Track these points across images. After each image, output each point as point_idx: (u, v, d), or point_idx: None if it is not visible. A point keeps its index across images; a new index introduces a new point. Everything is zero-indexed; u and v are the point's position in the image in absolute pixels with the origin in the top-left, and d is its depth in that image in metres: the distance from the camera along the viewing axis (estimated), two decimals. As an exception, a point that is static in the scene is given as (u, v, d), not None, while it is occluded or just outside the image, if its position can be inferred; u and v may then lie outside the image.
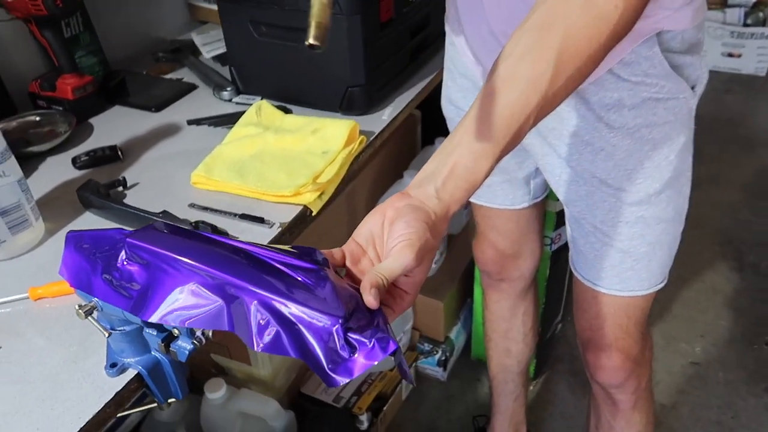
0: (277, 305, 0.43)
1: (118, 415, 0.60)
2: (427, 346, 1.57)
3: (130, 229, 0.55)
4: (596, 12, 0.52)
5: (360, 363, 0.42)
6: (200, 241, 0.50)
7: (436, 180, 0.52)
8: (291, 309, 0.43)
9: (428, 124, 1.61)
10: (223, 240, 0.51)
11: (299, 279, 0.46)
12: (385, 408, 1.40)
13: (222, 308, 0.44)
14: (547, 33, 0.52)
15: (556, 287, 1.51)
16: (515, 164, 0.95)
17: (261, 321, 0.43)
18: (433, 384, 1.60)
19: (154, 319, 0.45)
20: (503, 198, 1.01)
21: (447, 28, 0.91)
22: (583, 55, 0.52)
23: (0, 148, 0.71)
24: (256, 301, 0.43)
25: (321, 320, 0.43)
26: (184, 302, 0.45)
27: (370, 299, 0.46)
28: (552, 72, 0.51)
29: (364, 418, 1.33)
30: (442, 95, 0.98)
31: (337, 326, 0.42)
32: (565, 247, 1.40)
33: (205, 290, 0.44)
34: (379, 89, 1.06)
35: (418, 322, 1.56)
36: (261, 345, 0.42)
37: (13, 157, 0.73)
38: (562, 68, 0.52)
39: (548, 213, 1.31)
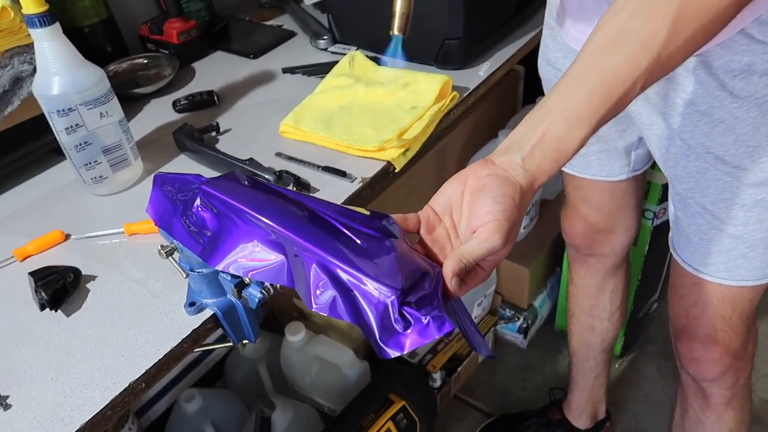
0: (336, 270, 0.43)
1: (196, 350, 0.64)
2: (508, 312, 1.53)
3: (218, 174, 0.56)
4: None
5: (413, 339, 0.41)
6: (272, 196, 0.50)
7: (523, 148, 0.48)
8: (349, 275, 0.43)
9: (531, 82, 1.53)
10: (295, 196, 0.51)
11: (362, 245, 0.45)
12: (459, 369, 1.40)
13: (283, 265, 0.44)
14: None
15: (655, 264, 1.41)
16: (616, 132, 0.88)
17: (319, 283, 0.43)
18: (511, 350, 1.58)
19: (219, 266, 0.46)
20: (598, 168, 0.94)
21: None
22: (708, 12, 0.45)
23: (104, 89, 0.74)
24: (315, 264, 0.43)
25: (378, 290, 0.42)
26: (249, 255, 0.45)
27: (455, 288, 0.44)
28: (668, 31, 0.45)
29: (437, 376, 1.34)
30: (539, 54, 0.92)
31: (392, 298, 0.41)
32: (667, 223, 1.30)
33: (268, 246, 0.45)
34: (477, 43, 1.01)
35: (501, 286, 1.53)
36: (317, 306, 0.42)
37: (115, 99, 0.77)
38: (680, 27, 0.45)
39: (653, 185, 1.22)
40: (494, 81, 1.02)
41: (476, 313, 1.47)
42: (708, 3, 0.45)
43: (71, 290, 0.65)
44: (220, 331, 0.65)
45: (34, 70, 0.78)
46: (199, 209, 0.50)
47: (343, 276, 0.43)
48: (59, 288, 0.64)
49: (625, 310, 1.23)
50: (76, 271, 0.67)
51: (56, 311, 0.64)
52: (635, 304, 1.42)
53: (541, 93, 1.47)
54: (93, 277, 0.68)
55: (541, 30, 1.09)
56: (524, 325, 1.53)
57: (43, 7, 0.67)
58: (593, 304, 1.18)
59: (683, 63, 0.49)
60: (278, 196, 0.51)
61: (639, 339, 1.56)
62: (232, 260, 0.46)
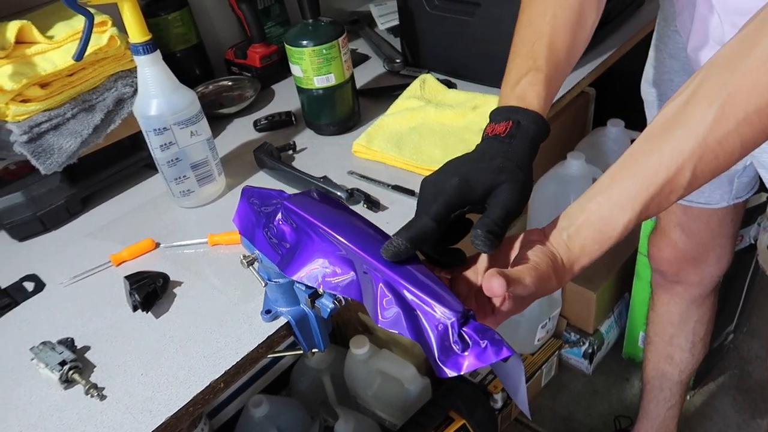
0: (402, 290, 0.45)
1: (268, 356, 0.68)
2: (573, 336, 1.51)
3: (294, 190, 0.60)
4: None
5: (470, 361, 0.43)
6: (345, 214, 0.54)
7: (570, 225, 0.48)
8: (413, 295, 0.45)
9: (603, 103, 1.51)
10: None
11: (424, 268, 0.48)
12: (522, 391, 1.39)
13: (354, 281, 0.47)
14: (725, 67, 0.44)
15: (732, 292, 1.36)
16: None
17: (385, 300, 0.45)
18: (576, 375, 1.55)
19: (295, 277, 0.50)
20: (697, 194, 0.90)
21: (664, 2, 0.84)
22: (763, 95, 0.43)
23: (195, 111, 0.81)
24: (382, 282, 0.46)
25: (439, 311, 0.44)
26: (323, 268, 0.49)
27: (499, 285, 0.43)
28: (715, 115, 0.43)
29: (498, 397, 1.34)
30: (643, 75, 0.91)
31: (453, 320, 0.43)
32: (749, 249, 1.25)
33: (340, 261, 0.48)
34: (548, 66, 1.02)
35: (566, 310, 1.51)
36: (383, 321, 0.45)
37: (204, 119, 0.83)
38: (729, 111, 0.43)
39: (731, 210, 1.17)
40: (564, 104, 1.03)
41: (540, 335, 1.46)
42: (762, 84, 0.43)
43: (160, 294, 0.71)
44: (291, 340, 0.70)
45: (135, 92, 0.86)
46: (280, 222, 0.54)
47: (407, 295, 0.46)
48: (150, 292, 0.70)
49: (708, 342, 1.18)
50: (165, 277, 0.73)
51: (147, 313, 0.70)
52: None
53: (614, 115, 1.46)
54: (179, 283, 0.74)
55: (614, 53, 1.10)
56: (590, 350, 1.50)
57: (147, 37, 0.74)
58: (675, 333, 1.13)
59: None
60: (350, 214, 0.55)
61: (713, 370, 1.50)
62: (307, 272, 0.50)
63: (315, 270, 0.49)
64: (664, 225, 1.00)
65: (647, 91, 0.89)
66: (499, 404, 1.35)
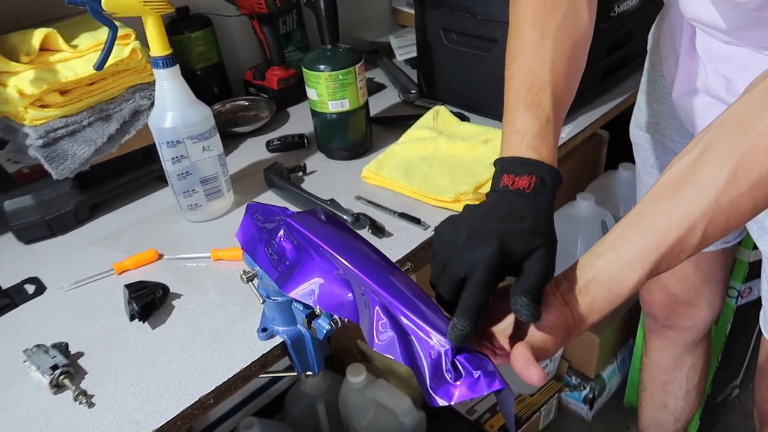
0: (398, 314, 0.45)
1: (261, 375, 0.67)
2: (574, 380, 1.48)
3: (297, 209, 0.60)
4: None
5: (462, 390, 0.42)
6: (348, 236, 0.54)
7: (580, 280, 0.47)
8: (409, 320, 0.45)
9: (616, 147, 1.51)
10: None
11: (421, 295, 0.48)
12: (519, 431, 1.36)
13: (351, 302, 0.47)
14: (737, 128, 0.44)
15: (738, 346, 1.33)
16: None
17: (380, 323, 0.45)
18: (575, 420, 1.52)
19: (292, 294, 0.50)
20: None
21: (650, 46, 0.85)
22: None
23: (208, 126, 0.82)
24: (378, 306, 0.46)
25: (434, 338, 0.44)
26: (320, 287, 0.48)
27: (537, 373, 0.42)
28: (727, 177, 0.43)
29: (494, 436, 1.31)
30: (632, 119, 0.92)
31: (447, 348, 0.43)
32: (755, 303, 1.23)
33: (338, 281, 0.48)
34: (561, 106, 1.03)
35: (568, 352, 1.49)
36: (378, 344, 0.45)
37: (217, 135, 0.84)
38: (742, 173, 0.43)
39: (739, 261, 1.16)
40: (575, 144, 1.04)
41: (541, 376, 1.44)
42: None
43: (159, 305, 0.71)
44: (286, 362, 0.69)
45: (151, 104, 0.87)
46: (282, 239, 0.54)
47: (404, 320, 0.45)
48: (149, 302, 0.69)
49: (703, 390, 1.17)
50: (165, 288, 0.73)
51: (143, 323, 0.69)
52: (713, 386, 1.34)
53: (625, 159, 1.46)
54: (178, 295, 0.74)
55: (628, 97, 1.11)
56: (590, 396, 1.47)
57: (168, 51, 0.76)
58: (668, 380, 1.12)
59: None
60: (352, 236, 0.55)
61: (717, 426, 1.46)
62: (304, 290, 0.50)
63: (312, 288, 0.49)
64: None
65: (635, 134, 0.90)
66: (495, 444, 1.32)
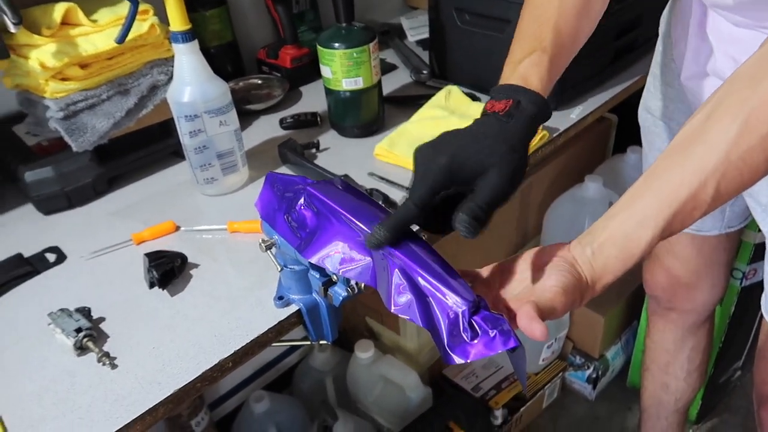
0: (417, 277, 0.47)
1: (275, 343, 0.69)
2: (579, 360, 1.51)
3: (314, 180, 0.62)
4: None
5: (478, 349, 0.43)
6: (366, 203, 0.55)
7: (594, 241, 0.47)
8: (427, 282, 0.46)
9: (624, 131, 1.52)
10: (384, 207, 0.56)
11: (439, 260, 0.49)
12: (522, 409, 1.38)
13: (369, 265, 0.49)
14: (748, 83, 0.44)
15: (742, 328, 1.35)
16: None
17: (400, 286, 0.46)
18: (578, 399, 1.54)
19: (313, 259, 0.51)
20: None
21: (662, 29, 0.86)
22: None
23: (225, 101, 0.83)
24: (397, 268, 0.47)
25: (451, 299, 0.45)
26: (341, 252, 0.50)
27: (540, 328, 0.42)
28: (738, 130, 0.43)
29: (499, 413, 1.33)
30: (641, 102, 0.93)
31: (464, 308, 0.44)
32: (760, 285, 1.24)
33: (358, 246, 0.49)
34: (572, 87, 1.04)
35: (573, 332, 1.51)
36: (396, 307, 0.46)
37: (234, 111, 0.86)
38: (753, 125, 0.43)
39: (744, 243, 1.18)
40: (585, 125, 1.05)
41: (545, 355, 1.46)
42: None
43: (177, 274, 0.73)
44: (300, 332, 0.71)
45: (169, 80, 0.88)
46: (302, 207, 0.55)
47: (422, 282, 0.47)
48: (168, 270, 0.71)
49: (705, 372, 1.19)
50: (183, 258, 0.75)
51: (163, 290, 0.72)
52: (716, 367, 1.36)
53: (633, 142, 1.47)
54: (196, 265, 0.76)
55: (637, 81, 1.11)
56: (594, 376, 1.49)
57: (188, 26, 0.77)
58: (670, 361, 1.14)
59: None
60: (370, 203, 0.57)
61: (718, 406, 1.48)
62: (325, 254, 0.52)
63: (333, 253, 0.51)
64: (657, 250, 1.00)
65: (644, 116, 0.90)
66: (499, 420, 1.34)
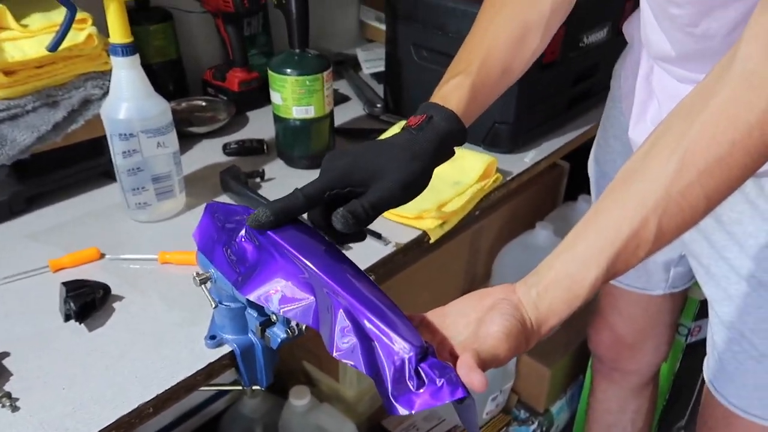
0: (362, 319, 0.43)
1: (203, 388, 0.62)
2: (523, 414, 1.47)
3: (256, 211, 0.57)
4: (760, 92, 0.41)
5: (424, 398, 0.40)
6: (312, 238, 0.51)
7: (538, 283, 0.46)
8: (373, 325, 0.43)
9: (576, 179, 1.54)
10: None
11: (386, 302, 0.46)
12: (464, 463, 1.33)
13: (312, 305, 0.45)
14: (685, 118, 0.44)
15: (685, 386, 1.35)
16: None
17: (344, 329, 0.43)
18: (521, 452, 1.50)
19: (252, 297, 0.46)
20: (634, 278, 0.91)
21: (612, 82, 0.87)
22: (722, 144, 0.42)
23: (165, 121, 0.78)
24: (342, 309, 0.43)
25: (398, 344, 0.42)
26: (282, 290, 0.46)
27: (478, 379, 0.40)
28: (675, 166, 0.43)
29: (441, 466, 1.28)
30: (590, 153, 0.93)
31: (411, 354, 0.41)
32: (704, 343, 1.26)
33: (301, 284, 0.45)
34: (527, 131, 1.04)
35: (518, 385, 1.47)
36: (338, 352, 0.42)
37: (174, 132, 0.80)
38: (689, 161, 0.43)
39: (690, 299, 1.18)
40: (538, 170, 1.04)
41: (489, 408, 1.42)
42: (721, 134, 0.42)
43: (98, 306, 0.65)
44: (231, 376, 0.65)
45: (104, 94, 0.82)
46: (243, 240, 0.50)
47: (368, 325, 0.43)
48: (88, 302, 0.64)
49: (649, 435, 1.17)
50: (106, 288, 0.67)
51: (80, 324, 0.64)
52: (659, 427, 1.35)
53: (584, 191, 1.48)
54: (120, 297, 0.68)
55: (592, 128, 1.12)
56: (538, 431, 1.46)
57: (129, 39, 0.72)
58: (612, 423, 1.11)
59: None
60: (317, 239, 0.52)
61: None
62: (264, 292, 0.47)
63: (273, 291, 0.46)
64: (602, 307, 1.00)
65: (593, 168, 0.91)
66: (441, 474, 1.28)
